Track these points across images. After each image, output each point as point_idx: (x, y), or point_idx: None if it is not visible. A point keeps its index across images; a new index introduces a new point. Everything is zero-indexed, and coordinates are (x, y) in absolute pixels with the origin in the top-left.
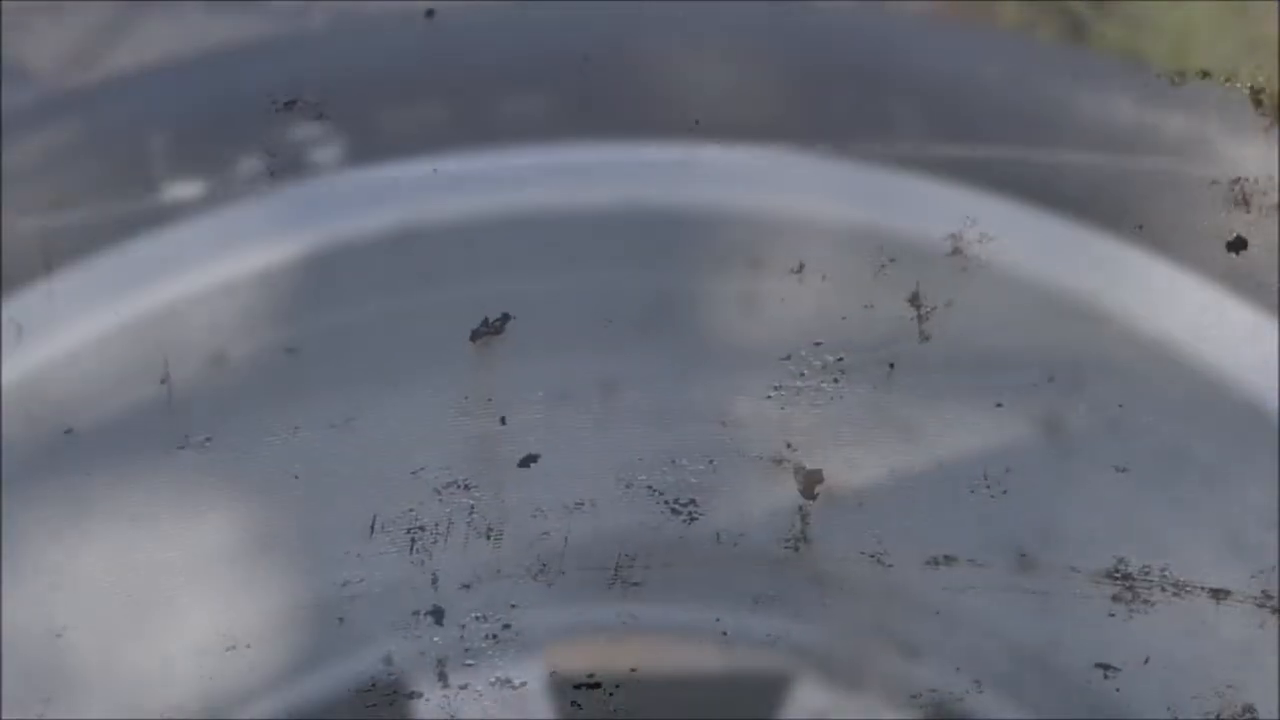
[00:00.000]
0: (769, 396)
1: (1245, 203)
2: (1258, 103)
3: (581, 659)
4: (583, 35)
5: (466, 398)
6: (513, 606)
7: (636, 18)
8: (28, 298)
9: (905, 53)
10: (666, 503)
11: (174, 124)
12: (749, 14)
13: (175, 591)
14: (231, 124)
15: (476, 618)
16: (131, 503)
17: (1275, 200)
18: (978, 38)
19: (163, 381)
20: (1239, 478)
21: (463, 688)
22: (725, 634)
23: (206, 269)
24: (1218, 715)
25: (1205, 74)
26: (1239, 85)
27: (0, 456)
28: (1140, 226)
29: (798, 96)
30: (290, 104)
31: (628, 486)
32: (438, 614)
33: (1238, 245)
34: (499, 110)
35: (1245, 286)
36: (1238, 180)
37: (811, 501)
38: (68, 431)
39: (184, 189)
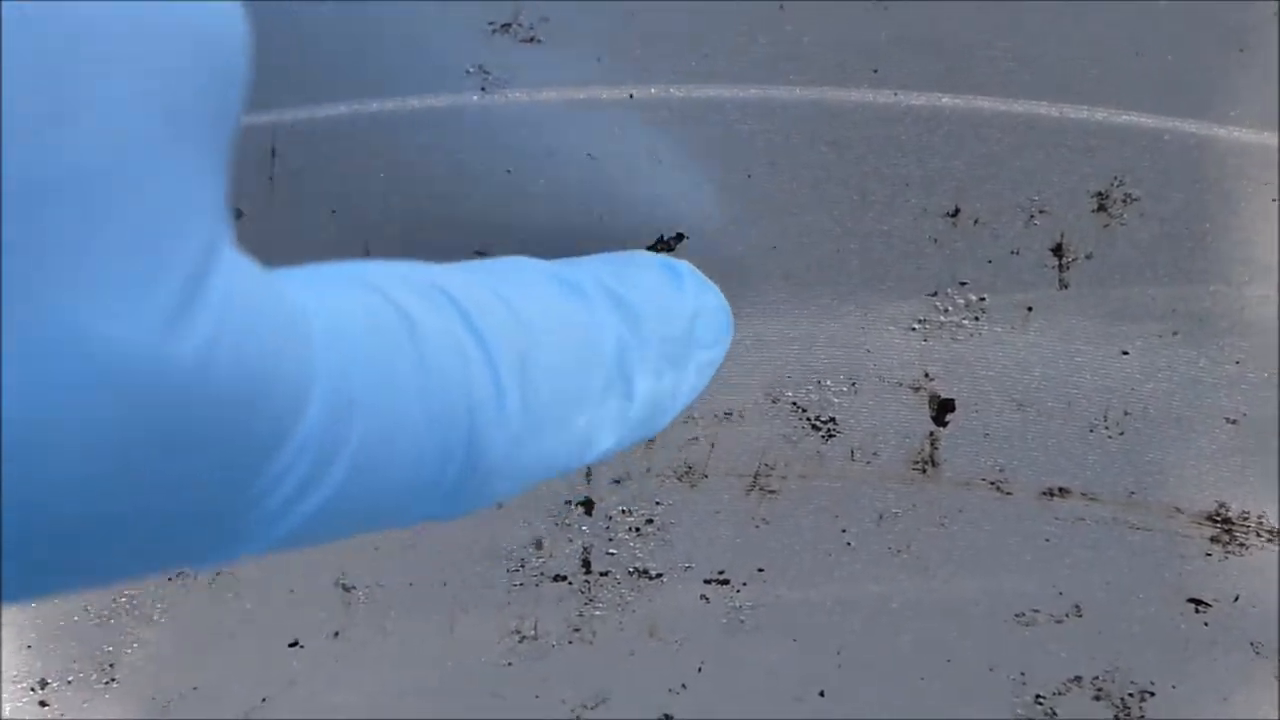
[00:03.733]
0: (913, 328)
1: None
2: None
3: (715, 556)
4: None
5: None
6: (657, 504)
7: None
8: None
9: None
10: (808, 419)
11: (390, 36)
12: None
13: None
14: (447, 41)
15: (623, 511)
16: None
17: None
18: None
19: None
20: None
21: (603, 574)
22: (850, 544)
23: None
24: None
25: None
26: None
27: None
28: (1274, 199)
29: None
30: (506, 26)
31: (774, 401)
32: (588, 505)
33: None
34: (700, 48)
35: None
36: None
37: (942, 428)
38: None
39: (398, 100)
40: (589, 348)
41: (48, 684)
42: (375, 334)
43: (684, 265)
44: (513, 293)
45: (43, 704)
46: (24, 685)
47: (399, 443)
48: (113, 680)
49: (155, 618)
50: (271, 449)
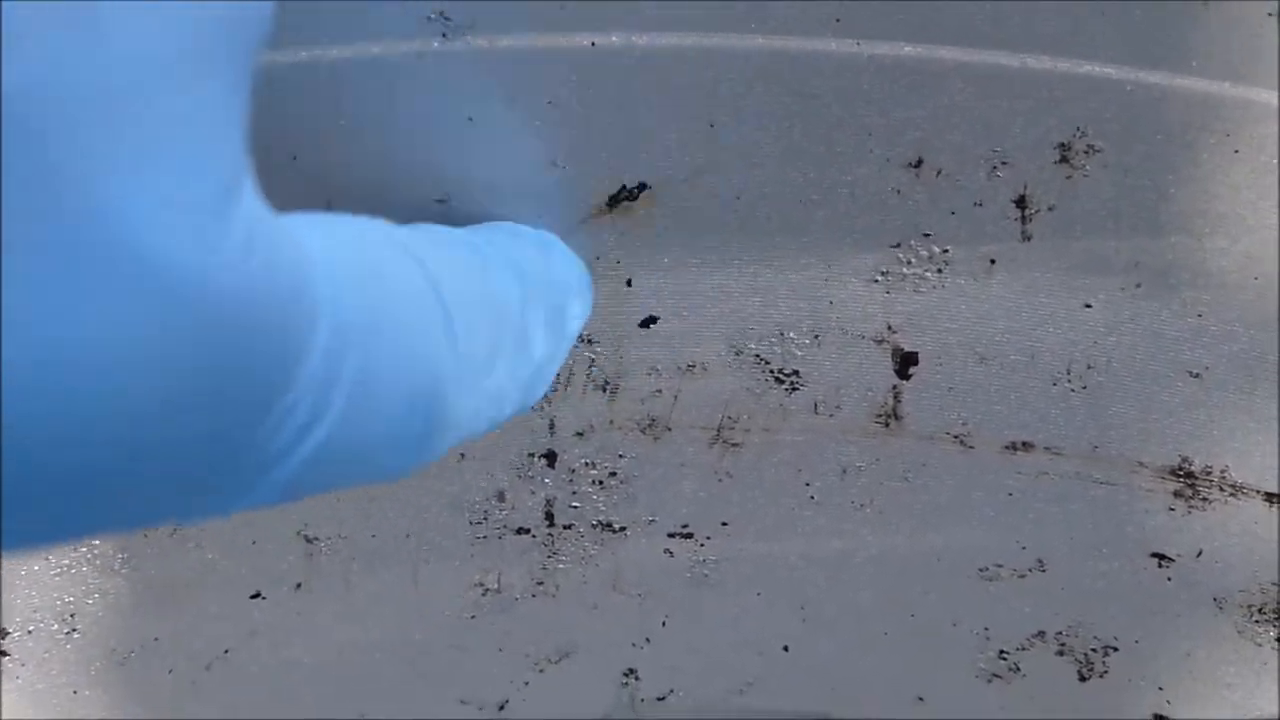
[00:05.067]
0: (876, 280)
1: None
2: None
3: (679, 510)
4: None
5: (598, 258)
6: (620, 456)
7: None
8: None
9: None
10: (771, 371)
11: None
12: None
13: None
14: None
15: (586, 464)
16: None
17: None
18: None
19: None
20: None
21: (567, 528)
22: (813, 498)
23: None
24: (1260, 608)
25: None
26: None
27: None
28: (1237, 151)
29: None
30: None
31: (737, 354)
32: (551, 457)
33: None
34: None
35: None
36: None
37: (905, 381)
38: None
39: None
40: (503, 307)
41: (8, 634)
42: (360, 279)
43: (551, 237)
44: (439, 253)
45: (3, 653)
46: None
47: (380, 387)
48: (74, 631)
49: (117, 568)
50: (288, 374)
